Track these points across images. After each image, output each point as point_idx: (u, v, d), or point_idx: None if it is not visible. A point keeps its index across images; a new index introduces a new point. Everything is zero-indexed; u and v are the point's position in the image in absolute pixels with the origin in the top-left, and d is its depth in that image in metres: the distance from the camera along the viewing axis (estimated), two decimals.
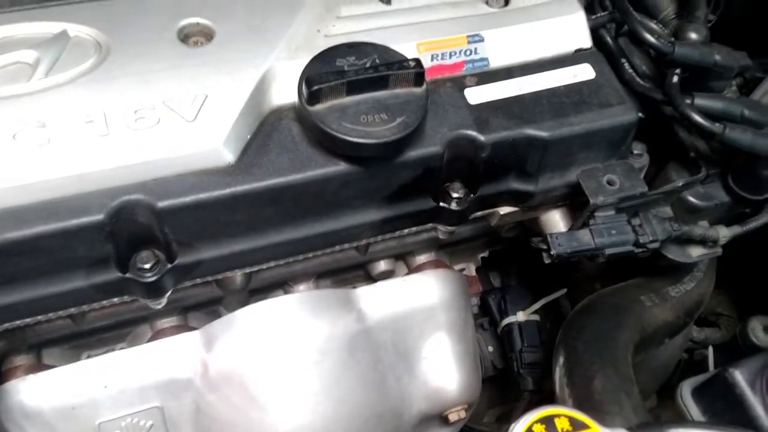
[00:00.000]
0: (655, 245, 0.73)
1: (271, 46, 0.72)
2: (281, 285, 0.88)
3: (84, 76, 0.66)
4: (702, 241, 0.77)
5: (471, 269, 1.06)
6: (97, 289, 0.67)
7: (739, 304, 1.27)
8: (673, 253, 0.76)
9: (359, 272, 0.94)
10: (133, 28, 0.71)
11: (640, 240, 0.72)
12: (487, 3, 0.81)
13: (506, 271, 1.12)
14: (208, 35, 0.72)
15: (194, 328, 0.82)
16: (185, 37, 0.72)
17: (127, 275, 0.66)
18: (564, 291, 0.97)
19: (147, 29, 0.71)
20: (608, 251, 0.72)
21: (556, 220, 0.84)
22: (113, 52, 0.68)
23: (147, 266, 0.66)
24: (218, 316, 0.88)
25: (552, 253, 0.71)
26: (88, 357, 0.87)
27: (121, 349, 0.86)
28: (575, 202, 0.81)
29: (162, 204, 0.63)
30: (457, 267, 1.03)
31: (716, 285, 0.93)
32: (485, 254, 1.05)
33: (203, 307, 0.87)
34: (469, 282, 1.05)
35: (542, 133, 0.73)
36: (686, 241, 0.77)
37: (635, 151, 0.81)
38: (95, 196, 0.62)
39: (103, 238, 0.63)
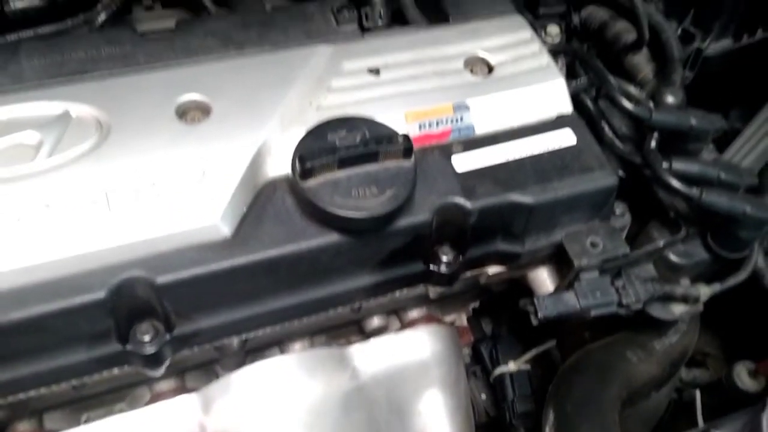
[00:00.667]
0: (638, 306, 0.75)
1: (265, 119, 0.75)
2: (277, 343, 0.91)
3: (86, 155, 0.69)
4: (684, 299, 0.79)
5: (462, 319, 1.08)
6: (98, 361, 0.69)
7: (726, 344, 1.30)
8: (657, 311, 0.79)
9: (353, 327, 0.97)
10: (132, 106, 0.73)
11: (623, 301, 0.75)
12: (471, 72, 0.84)
13: (497, 319, 1.14)
14: (205, 111, 0.75)
15: (192, 389, 0.84)
16: (183, 113, 0.75)
17: (127, 347, 0.68)
18: (553, 343, 0.99)
19: (146, 106, 0.74)
20: (593, 312, 0.75)
21: (543, 278, 0.87)
22: (114, 131, 0.71)
23: (146, 338, 0.68)
24: (215, 374, 0.90)
25: (539, 316, 0.74)
26: (88, 418, 0.88)
27: (120, 409, 0.88)
28: (561, 260, 0.84)
29: (161, 279, 0.66)
30: (449, 318, 1.06)
31: (703, 325, 0.96)
32: (476, 304, 1.08)
33: (200, 367, 0.89)
34: (461, 332, 1.07)
35: (527, 199, 0.76)
36: (668, 298, 0.79)
37: (617, 211, 0.84)
38: (96, 273, 0.64)
39: (104, 314, 0.65)
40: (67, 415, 0.85)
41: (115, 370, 0.71)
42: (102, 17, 0.89)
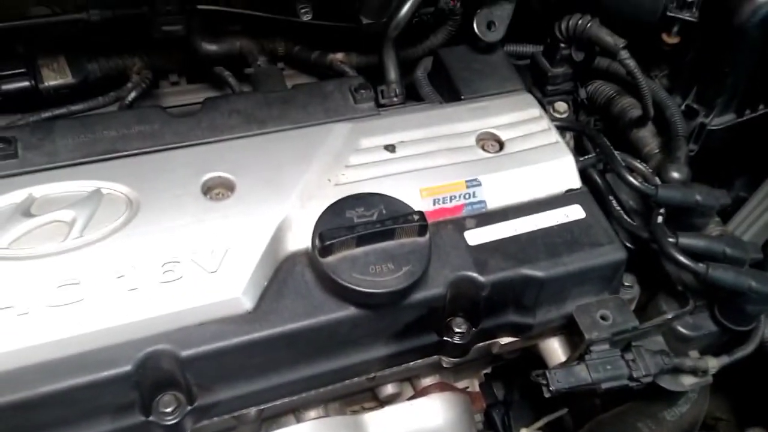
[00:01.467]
0: (649, 379, 0.77)
1: (286, 196, 0.78)
2: (292, 411, 0.92)
3: (116, 232, 0.72)
4: (693, 372, 0.81)
5: (474, 385, 1.09)
6: None
7: (738, 409, 1.30)
8: (667, 383, 0.80)
9: (367, 394, 0.98)
10: (160, 184, 0.77)
11: (633, 374, 0.77)
12: (483, 148, 0.87)
13: (509, 385, 1.15)
14: (229, 187, 0.79)
15: None
16: (208, 189, 0.78)
17: (150, 418, 0.70)
18: (565, 411, 1.00)
19: (173, 184, 0.77)
20: (604, 386, 0.76)
21: (554, 348, 0.88)
22: (143, 208, 0.75)
23: (169, 410, 0.70)
24: None
25: (551, 388, 0.75)
26: None
27: None
28: (572, 332, 0.86)
29: (185, 353, 0.68)
30: (461, 384, 1.07)
31: (715, 389, 0.97)
32: (488, 370, 1.09)
33: None
34: (473, 398, 1.08)
35: (538, 273, 0.78)
36: (678, 371, 0.81)
37: (626, 283, 0.86)
38: (123, 347, 0.67)
39: (129, 386, 0.67)
40: None
41: None
42: (132, 95, 0.94)
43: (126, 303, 0.68)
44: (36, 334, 0.66)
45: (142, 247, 0.72)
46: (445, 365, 0.87)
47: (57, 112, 0.90)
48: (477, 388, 1.09)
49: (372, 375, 0.83)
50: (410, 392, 0.98)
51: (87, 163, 0.79)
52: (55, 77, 0.94)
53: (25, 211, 0.73)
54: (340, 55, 1.05)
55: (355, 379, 0.82)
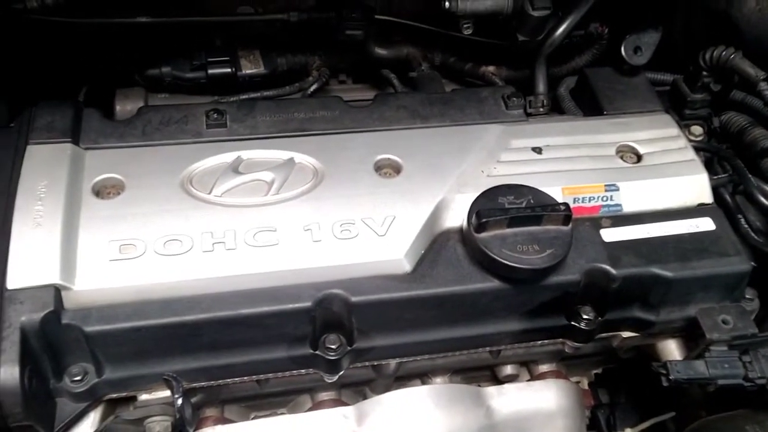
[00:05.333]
0: (763, 381, 0.82)
1: (445, 181, 0.90)
2: (421, 376, 1.03)
3: (305, 194, 0.87)
4: None
5: (584, 383, 1.16)
6: (292, 360, 0.84)
7: None
8: None
9: (486, 373, 1.08)
10: (341, 159, 0.91)
11: (749, 375, 0.83)
12: (622, 158, 0.96)
13: (616, 388, 1.21)
14: (396, 169, 0.91)
15: (347, 404, 0.97)
16: (379, 168, 0.91)
17: (317, 352, 0.83)
18: (672, 414, 1.05)
19: (351, 161, 0.91)
20: (720, 382, 0.83)
21: (671, 349, 0.95)
22: (326, 178, 0.89)
23: (333, 347, 0.83)
24: (364, 395, 1.03)
25: (670, 377, 0.82)
26: (255, 417, 1.03)
27: (281, 414, 1.02)
28: (691, 335, 0.92)
29: (354, 299, 0.81)
30: (573, 379, 1.14)
31: None
32: (598, 371, 1.16)
33: (354, 386, 1.02)
34: (583, 395, 1.15)
35: (667, 273, 0.86)
36: None
37: (747, 296, 0.92)
38: (306, 287, 0.80)
39: (306, 320, 0.81)
40: (241, 411, 1.00)
41: (302, 372, 0.86)
42: (314, 87, 1.09)
43: (310, 251, 0.82)
44: (240, 266, 0.80)
45: (326, 208, 0.85)
46: (567, 350, 0.95)
47: (253, 95, 1.06)
48: (586, 387, 1.16)
49: (501, 347, 0.92)
50: (527, 377, 1.07)
51: (281, 137, 0.94)
52: (250, 67, 1.11)
53: (235, 169, 0.89)
54: (491, 68, 1.17)
55: (486, 349, 0.92)
